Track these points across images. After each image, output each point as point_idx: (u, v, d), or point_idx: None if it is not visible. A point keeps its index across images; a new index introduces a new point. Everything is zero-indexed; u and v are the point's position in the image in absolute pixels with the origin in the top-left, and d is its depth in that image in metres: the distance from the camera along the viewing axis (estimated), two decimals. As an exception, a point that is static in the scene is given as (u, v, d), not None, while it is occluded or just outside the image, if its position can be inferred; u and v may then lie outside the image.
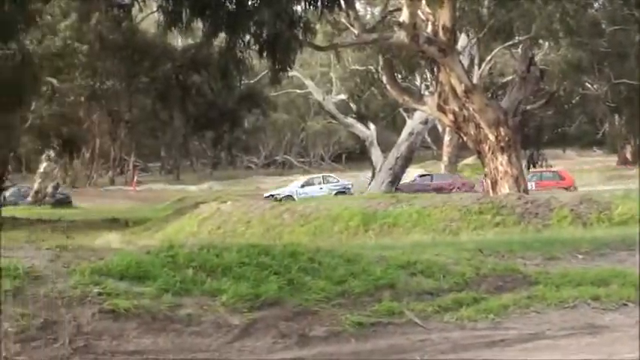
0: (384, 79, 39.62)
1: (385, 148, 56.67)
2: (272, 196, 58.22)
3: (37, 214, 42.17)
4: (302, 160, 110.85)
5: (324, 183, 61.81)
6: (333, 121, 77.09)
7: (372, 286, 10.52)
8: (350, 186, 61.75)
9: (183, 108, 38.45)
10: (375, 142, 57.50)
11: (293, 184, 64.45)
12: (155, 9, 30.47)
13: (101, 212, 46.75)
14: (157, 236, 26.38)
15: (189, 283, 9.53)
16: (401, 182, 53.89)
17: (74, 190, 72.53)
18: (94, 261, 9.72)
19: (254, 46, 28.18)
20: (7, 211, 40.78)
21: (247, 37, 28.33)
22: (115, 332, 8.45)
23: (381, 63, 43.15)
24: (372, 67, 56.62)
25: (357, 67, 61.74)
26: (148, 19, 34.49)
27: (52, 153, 51.55)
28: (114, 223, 35.54)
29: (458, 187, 55.40)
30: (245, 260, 10.37)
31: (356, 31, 34.12)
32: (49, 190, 60.13)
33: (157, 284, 9.29)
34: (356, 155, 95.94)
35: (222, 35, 28.61)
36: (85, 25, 35.41)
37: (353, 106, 66.21)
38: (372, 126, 59.78)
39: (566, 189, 48.96)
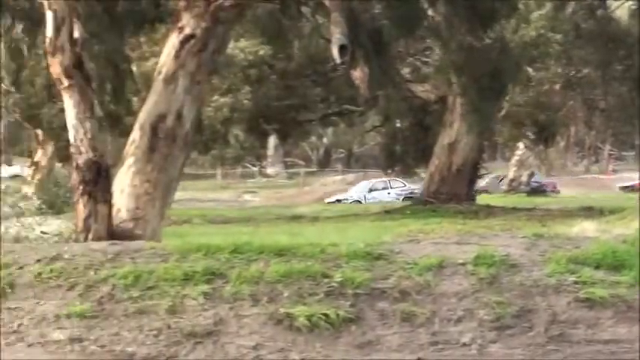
0: None
1: None
2: (338, 200, 55.74)
3: (511, 203, 42.73)
4: None
5: (391, 187, 58.92)
6: None
7: None
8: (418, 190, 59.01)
9: (659, 96, 37.33)
10: None
11: (357, 189, 61.51)
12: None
13: (576, 201, 46.48)
14: (633, 225, 25.88)
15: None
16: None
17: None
18: (570, 249, 9.80)
19: None
20: (482, 199, 41.73)
21: None
22: (591, 321, 8.50)
23: None
24: None
25: None
26: (623, 7, 33.99)
27: (527, 141, 52.12)
28: (589, 211, 35.14)
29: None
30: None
31: None
32: (524, 178, 60.76)
33: (633, 273, 9.20)
34: None
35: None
36: (560, 15, 35.56)
37: None
38: None
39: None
